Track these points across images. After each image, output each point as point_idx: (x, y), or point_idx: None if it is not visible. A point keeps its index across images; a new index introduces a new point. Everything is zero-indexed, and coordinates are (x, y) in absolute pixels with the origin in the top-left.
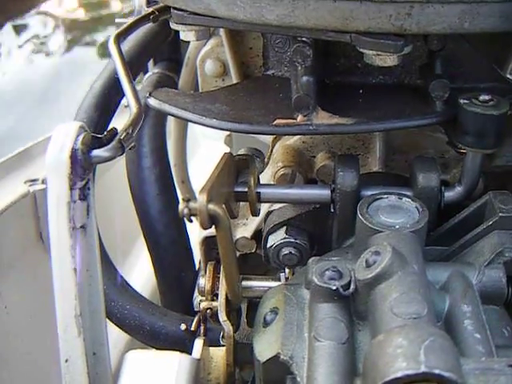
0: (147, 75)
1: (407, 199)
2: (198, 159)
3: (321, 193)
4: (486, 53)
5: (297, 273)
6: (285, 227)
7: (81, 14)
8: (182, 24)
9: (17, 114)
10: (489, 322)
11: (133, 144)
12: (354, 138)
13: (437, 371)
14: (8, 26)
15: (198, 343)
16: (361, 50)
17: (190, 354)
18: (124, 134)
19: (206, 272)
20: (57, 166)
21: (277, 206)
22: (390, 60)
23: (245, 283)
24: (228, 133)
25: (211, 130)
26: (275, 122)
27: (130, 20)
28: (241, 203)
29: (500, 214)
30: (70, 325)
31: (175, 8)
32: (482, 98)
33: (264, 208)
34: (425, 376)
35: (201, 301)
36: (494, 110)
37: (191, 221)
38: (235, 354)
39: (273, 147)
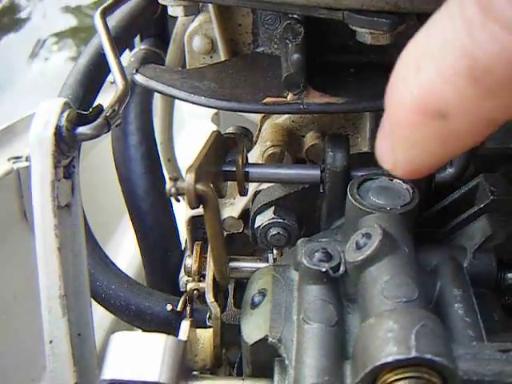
0: (134, 51)
1: (398, 180)
2: (184, 137)
3: (310, 173)
4: None
5: (285, 254)
6: (273, 207)
7: None
8: None
9: None
10: (479, 305)
11: (119, 121)
12: (344, 118)
13: (428, 356)
14: None
15: (185, 325)
16: (353, 27)
17: (177, 335)
18: (110, 111)
19: (192, 252)
20: (40, 144)
21: (265, 185)
22: (382, 38)
23: (232, 264)
24: (215, 111)
25: (198, 108)
26: (265, 101)
27: None
28: (228, 182)
29: (491, 197)
30: (55, 305)
31: None
32: None
33: (252, 187)
34: (416, 361)
35: (187, 281)
36: None
37: (179, 200)
38: (222, 336)
39: (261, 126)
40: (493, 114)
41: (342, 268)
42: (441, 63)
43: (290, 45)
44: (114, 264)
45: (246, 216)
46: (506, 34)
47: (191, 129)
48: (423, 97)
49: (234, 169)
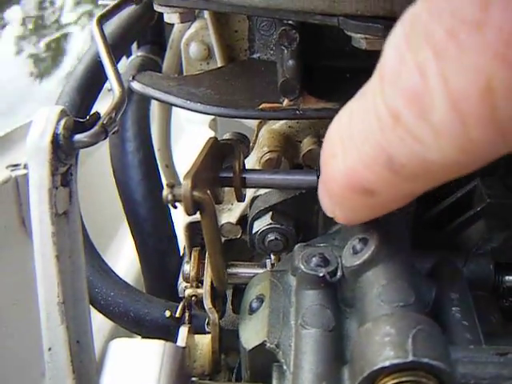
0: (131, 58)
1: None
2: (182, 143)
3: (307, 178)
4: None
5: (283, 259)
6: (270, 213)
7: None
8: (166, 6)
9: None
10: (476, 308)
11: (116, 128)
12: None
13: (425, 360)
14: None
15: (183, 331)
16: (348, 33)
17: (175, 341)
18: (107, 119)
19: (190, 258)
20: (38, 152)
21: (262, 191)
22: (378, 44)
23: (230, 270)
24: (213, 117)
25: (196, 114)
26: (261, 107)
27: (113, 2)
28: (226, 188)
29: (488, 200)
30: (53, 312)
31: None
32: None
33: (249, 193)
34: (413, 365)
35: (185, 287)
36: None
37: (176, 207)
38: (221, 342)
39: (258, 132)
40: (415, 191)
41: (339, 273)
42: (362, 151)
43: (285, 51)
44: (112, 271)
45: (243, 222)
46: (413, 141)
47: (189, 135)
48: (350, 176)
49: (231, 175)
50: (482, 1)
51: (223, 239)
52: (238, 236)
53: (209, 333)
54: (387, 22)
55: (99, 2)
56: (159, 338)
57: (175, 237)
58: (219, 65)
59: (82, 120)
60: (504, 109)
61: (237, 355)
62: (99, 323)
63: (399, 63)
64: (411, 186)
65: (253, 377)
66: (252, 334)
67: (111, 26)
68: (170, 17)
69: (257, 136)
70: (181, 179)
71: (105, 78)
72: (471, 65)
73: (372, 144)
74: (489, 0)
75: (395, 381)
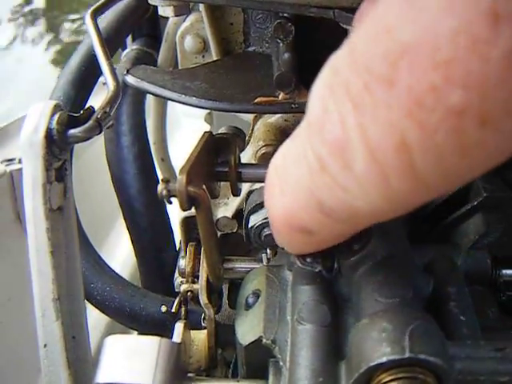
0: (125, 52)
1: None
2: (178, 137)
3: None
4: None
5: (279, 254)
6: None
7: None
8: None
9: None
10: (474, 303)
11: (111, 123)
12: None
13: (422, 356)
14: None
15: (179, 326)
16: (344, 26)
17: (171, 336)
18: (101, 113)
19: (186, 253)
20: (31, 147)
21: (258, 185)
22: None
23: (226, 264)
24: (208, 111)
25: (191, 108)
26: (256, 100)
27: None
28: (221, 183)
29: (485, 194)
30: (48, 309)
31: None
32: None
33: (245, 187)
34: (410, 361)
35: (181, 282)
36: None
37: (171, 202)
38: (217, 337)
39: (254, 125)
40: (352, 230)
41: (335, 268)
42: (296, 194)
43: (280, 44)
44: (108, 266)
45: (239, 216)
46: (339, 188)
47: (186, 128)
48: (288, 216)
49: (227, 169)
50: (392, 58)
51: (219, 234)
52: (234, 230)
53: (205, 328)
54: None
55: None
56: (155, 334)
57: (171, 231)
58: (214, 58)
59: (76, 114)
60: (422, 163)
61: (233, 350)
62: (95, 319)
63: (323, 113)
64: (346, 226)
65: (249, 372)
66: (248, 329)
67: (105, 19)
68: (165, 10)
69: (252, 130)
70: (177, 173)
71: (99, 72)
72: (385, 120)
73: (303, 187)
74: (398, 57)
75: (392, 377)
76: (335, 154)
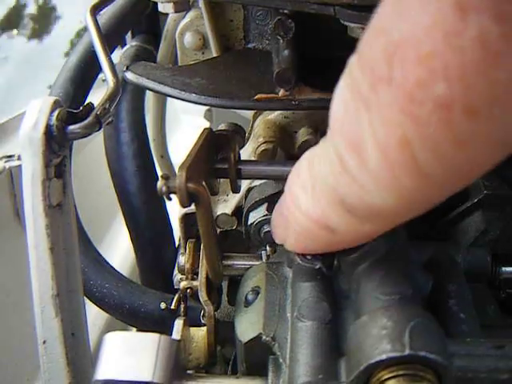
0: (125, 48)
1: None
2: (177, 134)
3: None
4: None
5: (279, 251)
6: (266, 204)
7: None
8: None
9: None
10: (473, 300)
11: (110, 119)
12: None
13: (422, 353)
14: None
15: (179, 323)
16: (345, 23)
17: (171, 333)
18: (101, 109)
19: (185, 250)
20: (31, 143)
21: (258, 182)
22: None
23: (226, 261)
24: (208, 107)
25: (191, 105)
26: (256, 97)
27: None
28: (221, 179)
29: (485, 192)
30: (47, 305)
31: None
32: None
33: (245, 184)
34: (410, 358)
35: (181, 279)
36: None
37: (170, 199)
38: (216, 334)
39: (254, 122)
40: (373, 232)
41: (335, 265)
42: (322, 192)
43: (281, 40)
44: (107, 262)
45: (239, 213)
46: (357, 186)
47: (185, 125)
48: (315, 213)
49: (227, 166)
50: (388, 56)
51: (218, 230)
52: (234, 227)
53: (204, 325)
54: None
55: None
56: (154, 331)
57: (170, 228)
58: (214, 55)
59: (75, 111)
60: (423, 157)
61: (233, 347)
62: (94, 315)
63: (344, 112)
64: (368, 227)
65: (249, 369)
66: (248, 326)
67: (105, 15)
68: (165, 6)
69: (252, 126)
70: (176, 170)
71: (99, 69)
72: (389, 117)
73: (328, 185)
74: (392, 55)
75: (392, 374)
76: (353, 152)
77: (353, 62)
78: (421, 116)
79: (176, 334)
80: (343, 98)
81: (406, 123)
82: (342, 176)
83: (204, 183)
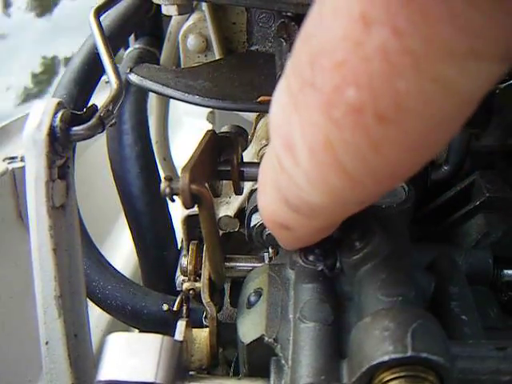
0: (128, 50)
1: None
2: (180, 136)
3: None
4: None
5: (281, 253)
6: None
7: None
8: None
9: None
10: (475, 303)
11: (113, 121)
12: None
13: (424, 355)
14: None
15: (181, 325)
16: None
17: (173, 334)
18: (104, 111)
19: (188, 252)
20: (35, 144)
21: None
22: None
23: (228, 263)
24: (211, 110)
25: (194, 107)
26: (259, 99)
27: None
28: (224, 181)
29: (487, 194)
30: (50, 306)
31: None
32: None
33: (247, 186)
34: (412, 360)
35: (183, 281)
36: None
37: (173, 200)
38: (218, 336)
39: (256, 124)
40: (326, 226)
41: (337, 266)
42: (270, 193)
43: (284, 43)
44: (109, 264)
45: (241, 215)
46: (294, 185)
47: (188, 127)
48: (268, 213)
49: (229, 168)
50: (311, 62)
51: (221, 232)
52: (236, 229)
53: (206, 326)
54: None
55: None
56: (157, 332)
57: (173, 230)
58: (217, 57)
59: (79, 113)
60: (346, 159)
61: (235, 349)
62: (97, 317)
63: (280, 113)
64: (315, 223)
65: (251, 371)
66: (250, 327)
67: (108, 17)
68: (168, 9)
69: (255, 129)
70: (179, 172)
71: (102, 71)
72: (314, 120)
73: (274, 186)
74: (314, 61)
75: (394, 375)
76: (287, 152)
77: (289, 64)
78: (338, 119)
79: (178, 335)
80: (280, 99)
81: (328, 126)
82: (282, 176)
83: (207, 185)
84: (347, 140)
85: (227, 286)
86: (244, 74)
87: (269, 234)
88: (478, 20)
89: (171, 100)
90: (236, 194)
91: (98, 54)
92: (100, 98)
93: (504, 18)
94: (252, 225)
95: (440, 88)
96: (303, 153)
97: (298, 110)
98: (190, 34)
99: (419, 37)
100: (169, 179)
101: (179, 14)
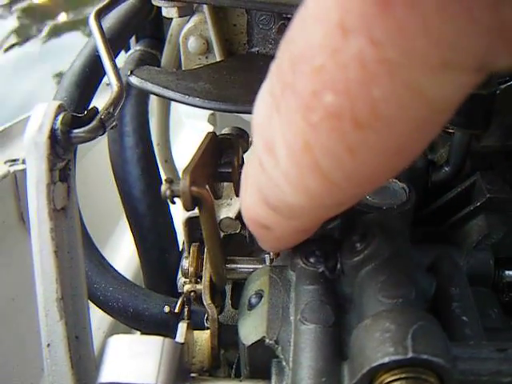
0: (129, 52)
1: (394, 180)
2: (181, 138)
3: None
4: None
5: (282, 254)
6: None
7: None
8: (164, 0)
9: None
10: (476, 304)
11: (114, 123)
12: None
13: (425, 356)
14: None
15: (182, 327)
16: None
17: (174, 336)
18: (105, 113)
19: (189, 253)
20: (36, 147)
21: None
22: None
23: (229, 265)
24: (212, 112)
25: (194, 109)
26: None
27: None
28: (225, 183)
29: (488, 195)
30: (52, 308)
31: None
32: None
33: None
34: (412, 361)
35: (184, 283)
36: (483, 89)
37: (174, 202)
38: (220, 337)
39: None
40: (305, 227)
41: (338, 268)
42: (251, 192)
43: None
44: (111, 266)
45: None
46: (273, 185)
47: (189, 129)
48: (248, 212)
49: (230, 170)
50: (293, 67)
51: (222, 234)
52: (237, 231)
53: (208, 328)
54: None
55: None
56: (158, 334)
57: (174, 232)
58: (218, 59)
59: (79, 115)
60: (324, 162)
61: (236, 351)
62: (98, 319)
63: (262, 114)
64: (295, 223)
65: (252, 372)
66: (251, 329)
67: (109, 19)
68: (169, 11)
69: None
70: (180, 174)
71: (103, 73)
72: (294, 123)
73: (255, 186)
74: (295, 65)
75: (395, 377)
76: (268, 152)
77: (273, 66)
78: (316, 124)
79: (180, 337)
80: (263, 100)
81: (307, 129)
82: (262, 176)
83: (208, 187)
84: (324, 144)
85: (228, 288)
86: (245, 75)
87: None
88: (452, 33)
89: (172, 102)
90: (237, 195)
91: (98, 56)
92: (101, 100)
93: (477, 32)
94: None
95: (415, 96)
96: (283, 154)
97: (279, 112)
98: (190, 36)
99: (394, 46)
100: (170, 181)
101: (180, 16)
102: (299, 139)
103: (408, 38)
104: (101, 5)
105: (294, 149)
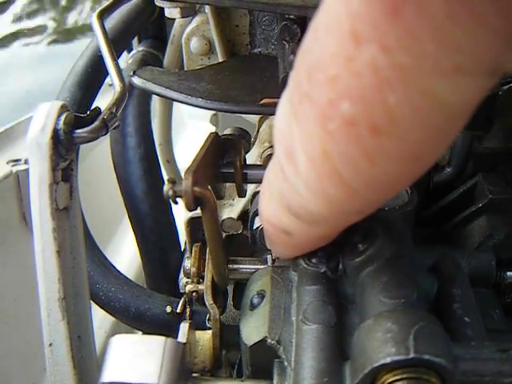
0: (132, 53)
1: None
2: (183, 139)
3: None
4: None
5: None
6: None
7: None
8: (167, 0)
9: None
10: (478, 305)
11: (117, 123)
12: None
13: (426, 357)
14: None
15: (184, 327)
16: None
17: (176, 336)
18: (107, 114)
19: (191, 254)
20: (38, 147)
21: None
22: None
23: (231, 265)
24: (214, 112)
25: (197, 110)
26: (262, 102)
27: None
28: (227, 184)
29: (490, 196)
30: (54, 308)
31: None
32: None
33: (250, 189)
34: (414, 362)
35: (186, 283)
36: None
37: (176, 203)
38: (221, 338)
39: (259, 127)
40: (325, 234)
41: (340, 269)
42: (274, 198)
43: (286, 45)
44: (113, 266)
45: (245, 217)
46: (295, 193)
47: (191, 130)
48: (271, 217)
49: (233, 170)
50: (309, 77)
51: (224, 235)
52: (239, 231)
53: (210, 328)
54: None
55: None
56: (160, 334)
57: (176, 232)
58: (220, 60)
59: (82, 115)
60: (343, 169)
61: (238, 351)
62: (100, 319)
63: (283, 122)
64: (317, 229)
65: (254, 373)
66: (253, 329)
67: (112, 20)
68: (171, 11)
69: (258, 131)
70: (182, 174)
71: (106, 73)
72: (312, 131)
73: (278, 192)
74: (312, 74)
75: (396, 377)
76: (289, 160)
77: (291, 76)
78: (333, 131)
79: (182, 337)
80: (283, 107)
81: (325, 137)
82: (284, 183)
83: (210, 187)
84: (343, 151)
85: (230, 288)
86: (247, 76)
87: None
88: (462, 37)
89: (175, 102)
90: (239, 196)
91: (101, 56)
92: (103, 100)
93: (487, 36)
94: (255, 227)
95: (429, 101)
96: (303, 162)
97: (298, 120)
98: (193, 37)
99: (406, 53)
100: (172, 181)
101: (182, 17)
102: (318, 147)
103: (419, 43)
104: (104, 5)
105: (312, 156)
